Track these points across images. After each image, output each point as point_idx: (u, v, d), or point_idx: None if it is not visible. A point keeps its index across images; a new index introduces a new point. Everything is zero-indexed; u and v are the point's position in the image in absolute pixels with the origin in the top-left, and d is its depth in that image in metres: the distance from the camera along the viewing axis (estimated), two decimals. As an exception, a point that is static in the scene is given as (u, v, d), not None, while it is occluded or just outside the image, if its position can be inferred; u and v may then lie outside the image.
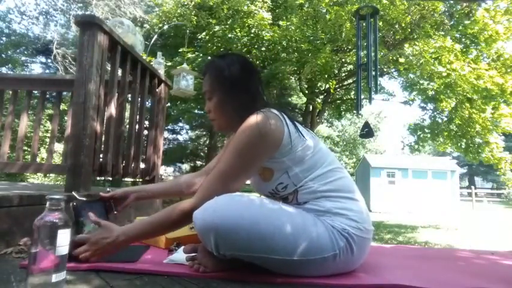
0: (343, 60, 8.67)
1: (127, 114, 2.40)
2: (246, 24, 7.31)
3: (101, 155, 1.99)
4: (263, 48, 7.54)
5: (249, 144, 1.02)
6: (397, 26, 7.18)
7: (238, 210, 0.96)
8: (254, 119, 1.03)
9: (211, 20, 7.69)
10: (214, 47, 7.60)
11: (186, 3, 7.98)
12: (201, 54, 7.53)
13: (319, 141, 1.15)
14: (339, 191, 1.07)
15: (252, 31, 7.28)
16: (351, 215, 1.04)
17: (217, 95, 1.15)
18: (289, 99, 14.89)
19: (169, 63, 6.76)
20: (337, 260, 1.01)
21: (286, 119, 1.07)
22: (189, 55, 7.26)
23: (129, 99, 2.38)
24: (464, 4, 7.18)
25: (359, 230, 1.03)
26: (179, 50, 7.44)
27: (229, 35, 7.19)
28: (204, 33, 7.55)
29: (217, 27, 7.36)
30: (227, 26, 7.35)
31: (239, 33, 7.20)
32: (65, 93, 2.75)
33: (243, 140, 1.03)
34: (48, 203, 0.83)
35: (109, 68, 2.09)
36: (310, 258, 0.98)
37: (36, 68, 17.71)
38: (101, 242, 1.03)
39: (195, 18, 7.82)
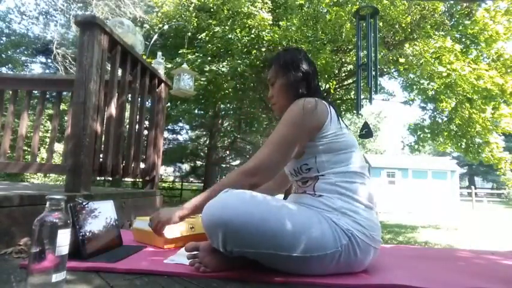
0: (343, 60, 8.64)
1: (127, 114, 2.40)
2: (247, 25, 7.30)
3: (101, 155, 1.99)
4: (263, 49, 7.51)
5: (301, 116, 1.10)
6: (397, 26, 7.16)
7: (247, 207, 0.97)
8: (304, 99, 1.14)
9: (211, 21, 7.68)
10: (215, 48, 7.59)
11: (186, 4, 7.96)
12: (201, 55, 7.52)
13: (357, 145, 1.19)
14: (354, 193, 1.08)
15: (252, 32, 7.26)
16: (358, 218, 1.04)
17: (280, 80, 1.27)
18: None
19: (169, 65, 6.75)
20: (340, 259, 1.01)
21: (332, 110, 1.16)
22: (189, 56, 7.25)
23: (129, 99, 2.38)
24: (465, 4, 7.17)
25: (364, 235, 1.03)
26: (179, 51, 7.42)
27: (230, 36, 7.18)
28: (204, 34, 7.54)
29: (217, 28, 7.35)
30: (227, 27, 7.34)
31: (239, 34, 7.18)
32: (65, 93, 2.75)
33: (295, 111, 1.12)
34: (48, 203, 0.83)
35: (109, 68, 2.09)
36: (313, 254, 0.98)
37: (36, 68, 17.74)
38: (163, 213, 1.18)
39: (195, 19, 7.81)
